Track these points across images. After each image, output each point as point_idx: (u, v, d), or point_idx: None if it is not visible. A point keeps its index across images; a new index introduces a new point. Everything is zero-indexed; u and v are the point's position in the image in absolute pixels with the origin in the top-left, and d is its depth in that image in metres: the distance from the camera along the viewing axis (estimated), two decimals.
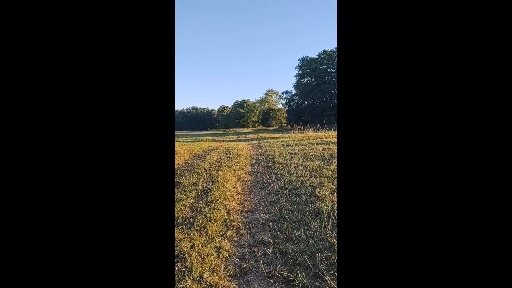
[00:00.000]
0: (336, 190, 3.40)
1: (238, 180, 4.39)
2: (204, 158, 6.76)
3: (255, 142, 13.76)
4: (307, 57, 53.25)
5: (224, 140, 19.35)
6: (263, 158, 6.36)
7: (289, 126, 60.44)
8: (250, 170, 5.15)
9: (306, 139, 11.61)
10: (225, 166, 5.46)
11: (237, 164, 5.63)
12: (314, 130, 22.06)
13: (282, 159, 6.01)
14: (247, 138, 24.13)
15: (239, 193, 3.68)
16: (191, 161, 6.47)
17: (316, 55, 52.11)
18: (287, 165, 5.23)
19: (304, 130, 19.98)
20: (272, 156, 6.46)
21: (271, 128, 61.37)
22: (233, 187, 3.91)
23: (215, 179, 4.39)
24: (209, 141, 19.42)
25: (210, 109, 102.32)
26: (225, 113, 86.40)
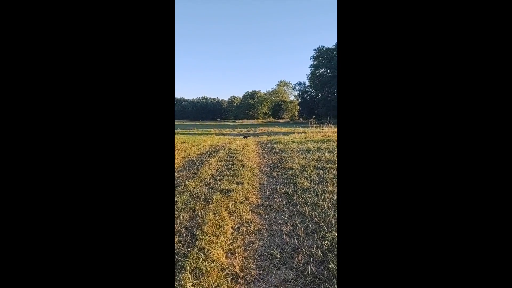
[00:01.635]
0: None
1: (237, 229, 2.55)
2: (197, 170, 4.94)
3: (265, 138, 11.87)
4: (323, 47, 50.37)
5: (231, 134, 17.41)
6: (278, 175, 4.47)
7: (301, 119, 58.11)
8: (258, 201, 3.29)
9: (329, 139, 9.61)
10: (221, 190, 3.61)
11: (239, 186, 3.77)
12: (334, 125, 19.94)
13: (306, 179, 4.11)
14: (257, 132, 22.16)
15: (237, 278, 1.84)
16: (177, 175, 4.66)
17: (333, 45, 49.08)
18: (317, 196, 3.32)
19: (322, 125, 17.79)
20: (291, 173, 4.54)
21: (281, 121, 59.15)
22: (227, 256, 2.07)
23: (198, 226, 2.56)
24: (215, 134, 17.62)
25: (220, 99, 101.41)
26: (235, 104, 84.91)
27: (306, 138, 11.03)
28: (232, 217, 2.76)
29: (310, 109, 54.99)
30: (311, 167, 4.80)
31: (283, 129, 23.99)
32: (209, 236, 2.31)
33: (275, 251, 2.14)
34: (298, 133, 18.00)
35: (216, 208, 2.95)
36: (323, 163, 5.12)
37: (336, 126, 20.44)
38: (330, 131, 12.82)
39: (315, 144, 8.46)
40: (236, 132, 21.65)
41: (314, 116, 54.34)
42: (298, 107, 62.43)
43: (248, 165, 5.17)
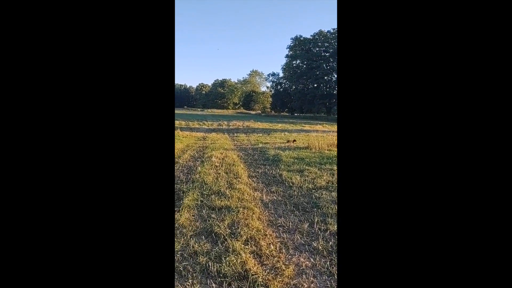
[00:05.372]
0: None
1: None
2: None
3: (244, 138, 8.26)
4: (301, 36, 47.29)
5: (201, 129, 13.31)
6: None
7: (273, 111, 55.12)
8: None
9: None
10: None
11: None
12: (329, 122, 16.90)
13: None
14: (230, 127, 18.20)
15: None
16: None
17: (311, 36, 46.30)
18: None
19: (298, 120, 14.64)
20: None
21: (253, 112, 55.55)
22: None
23: None
24: (181, 129, 13.45)
25: (188, 86, 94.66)
26: (203, 92, 79.55)
27: (313, 150, 7.65)
28: None
29: (283, 102, 52.26)
30: None
31: (260, 125, 20.35)
32: None
33: None
34: (280, 131, 14.69)
35: None
36: None
37: (310, 122, 17.52)
38: (326, 130, 9.59)
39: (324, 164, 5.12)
40: (206, 127, 17.58)
41: (286, 109, 51.82)
42: (270, 99, 59.34)
43: None
